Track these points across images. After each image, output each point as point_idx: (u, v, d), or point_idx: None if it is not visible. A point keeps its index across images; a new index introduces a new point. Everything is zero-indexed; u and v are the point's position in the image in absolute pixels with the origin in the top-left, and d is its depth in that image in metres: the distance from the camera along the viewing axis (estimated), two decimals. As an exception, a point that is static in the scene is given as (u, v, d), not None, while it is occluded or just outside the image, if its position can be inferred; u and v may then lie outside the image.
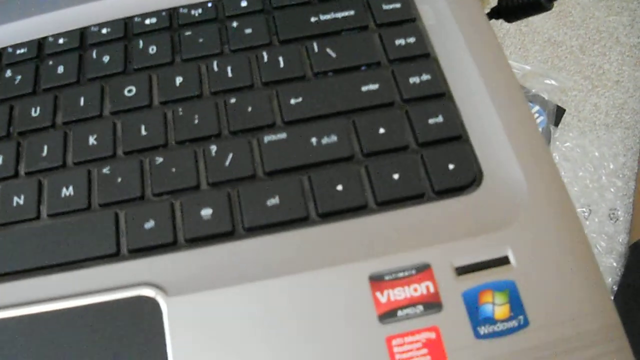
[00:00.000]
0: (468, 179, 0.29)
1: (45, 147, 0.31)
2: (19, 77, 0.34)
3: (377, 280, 0.27)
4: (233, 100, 0.31)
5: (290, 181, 0.29)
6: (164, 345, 0.26)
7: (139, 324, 0.27)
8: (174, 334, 0.26)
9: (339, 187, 0.29)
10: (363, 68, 0.32)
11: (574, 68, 0.56)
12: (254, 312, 0.27)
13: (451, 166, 0.29)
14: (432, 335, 0.26)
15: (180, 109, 0.31)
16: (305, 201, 0.29)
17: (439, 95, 0.31)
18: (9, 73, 0.34)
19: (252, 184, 0.29)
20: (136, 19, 0.35)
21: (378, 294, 0.27)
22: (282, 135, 0.30)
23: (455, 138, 0.30)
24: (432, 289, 0.27)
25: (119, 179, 0.30)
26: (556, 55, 0.56)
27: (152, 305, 0.27)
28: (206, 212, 0.29)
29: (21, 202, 0.30)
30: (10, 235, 0.29)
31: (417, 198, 0.29)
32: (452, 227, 0.28)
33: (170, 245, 0.28)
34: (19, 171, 0.31)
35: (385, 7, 0.34)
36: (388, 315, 0.26)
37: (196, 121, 0.31)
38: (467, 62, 0.32)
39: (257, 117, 0.31)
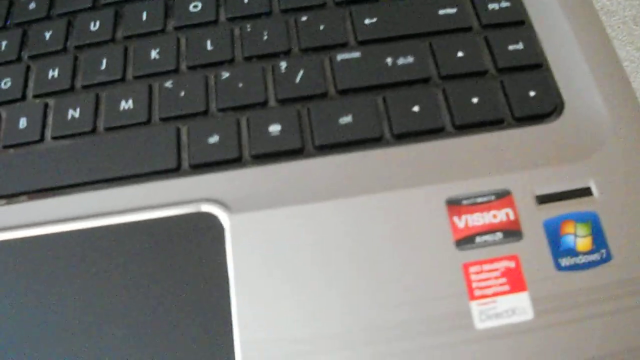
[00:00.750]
0: (549, 107, 0.27)
1: (104, 61, 0.30)
2: (78, -8, 0.32)
3: (454, 205, 0.25)
4: (304, 19, 0.30)
5: (364, 100, 0.28)
6: (225, 262, 0.25)
7: (199, 240, 0.26)
8: (237, 251, 0.25)
9: (415, 109, 0.27)
10: (440, -8, 0.31)
11: (627, 39, 0.54)
12: (322, 232, 0.25)
13: (532, 93, 0.28)
14: (512, 264, 0.25)
15: (248, 26, 0.30)
16: (379, 121, 0.27)
17: (519, 22, 0.29)
18: (67, -12, 0.33)
19: (323, 101, 0.28)
20: None
21: (455, 219, 0.25)
22: (356, 54, 0.29)
23: (536, 66, 0.28)
24: (512, 217, 0.25)
25: (182, 93, 0.28)
26: (609, 25, 0.54)
27: (214, 222, 0.26)
28: (274, 129, 0.27)
29: (77, 115, 0.29)
30: (66, 148, 0.28)
31: (496, 124, 0.27)
32: (533, 154, 0.27)
33: (234, 161, 0.27)
34: (75, 85, 0.30)
35: None
36: (465, 241, 0.25)
37: (265, 38, 0.29)
38: (547, -10, 0.30)
39: (329, 35, 0.29)
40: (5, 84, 0.30)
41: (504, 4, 0.30)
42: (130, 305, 0.25)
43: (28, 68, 0.30)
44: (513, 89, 0.28)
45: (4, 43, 0.31)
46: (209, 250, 0.25)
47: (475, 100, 0.27)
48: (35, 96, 0.30)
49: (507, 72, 0.28)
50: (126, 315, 0.24)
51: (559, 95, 0.28)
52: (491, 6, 0.30)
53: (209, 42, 0.30)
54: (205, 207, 0.26)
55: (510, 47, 0.29)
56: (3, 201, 0.28)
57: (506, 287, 0.24)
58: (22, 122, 0.29)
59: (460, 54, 0.29)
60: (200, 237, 0.26)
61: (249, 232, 0.25)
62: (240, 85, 0.28)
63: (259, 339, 0.24)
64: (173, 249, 0.25)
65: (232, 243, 0.25)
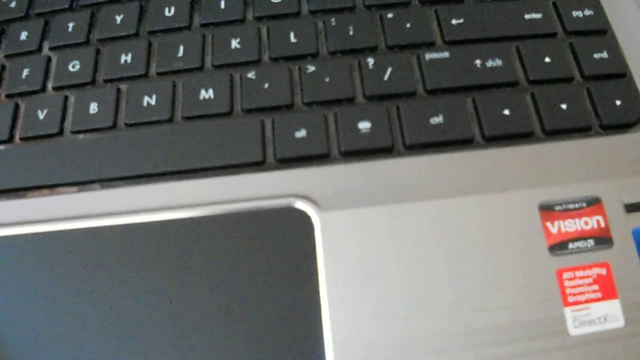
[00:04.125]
0: (635, 116, 0.27)
1: (181, 48, 0.29)
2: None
3: (547, 210, 0.25)
4: (390, 15, 0.29)
5: (454, 101, 0.27)
6: (315, 260, 0.24)
7: (288, 236, 0.25)
8: (327, 249, 0.24)
9: (506, 112, 0.27)
10: (524, -3, 0.31)
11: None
12: (414, 233, 0.25)
13: (617, 102, 0.28)
14: (603, 271, 0.25)
15: (332, 20, 0.29)
16: (469, 123, 0.27)
17: (602, 31, 0.29)
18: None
19: (412, 100, 0.27)
20: None
21: (549, 224, 0.25)
22: (445, 54, 0.28)
23: (620, 75, 0.28)
24: (602, 224, 0.25)
25: (266, 85, 0.28)
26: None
27: (304, 219, 0.25)
28: (364, 125, 0.27)
29: (153, 102, 0.28)
30: (141, 136, 0.27)
31: (584, 131, 0.27)
32: (620, 163, 0.27)
33: (323, 157, 0.26)
34: (150, 71, 0.29)
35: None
36: (559, 247, 0.25)
37: (350, 33, 0.29)
38: (628, 1, 0.31)
39: (416, 34, 0.29)
40: (73, 67, 0.29)
41: (587, 12, 0.30)
42: (215, 302, 0.24)
43: (97, 51, 0.29)
44: (599, 97, 0.28)
45: (71, 24, 0.30)
46: (299, 248, 0.25)
47: (563, 106, 0.27)
48: (106, 80, 0.28)
49: (592, 80, 0.28)
50: (211, 311, 0.23)
51: (643, 105, 0.28)
52: (575, 13, 0.30)
53: (292, 34, 0.29)
54: (295, 203, 0.25)
55: (595, 55, 0.29)
56: (75, 188, 0.26)
57: (598, 294, 0.24)
58: (93, 108, 0.28)
59: (546, 59, 0.28)
60: (290, 233, 0.25)
61: (339, 231, 0.25)
62: (327, 79, 0.28)
63: (351, 342, 0.23)
64: (263, 244, 0.25)
65: (322, 242, 0.25)
